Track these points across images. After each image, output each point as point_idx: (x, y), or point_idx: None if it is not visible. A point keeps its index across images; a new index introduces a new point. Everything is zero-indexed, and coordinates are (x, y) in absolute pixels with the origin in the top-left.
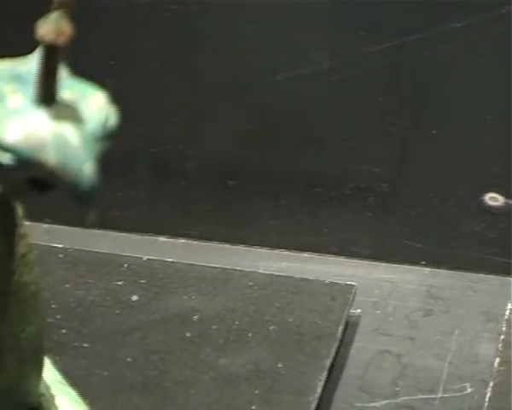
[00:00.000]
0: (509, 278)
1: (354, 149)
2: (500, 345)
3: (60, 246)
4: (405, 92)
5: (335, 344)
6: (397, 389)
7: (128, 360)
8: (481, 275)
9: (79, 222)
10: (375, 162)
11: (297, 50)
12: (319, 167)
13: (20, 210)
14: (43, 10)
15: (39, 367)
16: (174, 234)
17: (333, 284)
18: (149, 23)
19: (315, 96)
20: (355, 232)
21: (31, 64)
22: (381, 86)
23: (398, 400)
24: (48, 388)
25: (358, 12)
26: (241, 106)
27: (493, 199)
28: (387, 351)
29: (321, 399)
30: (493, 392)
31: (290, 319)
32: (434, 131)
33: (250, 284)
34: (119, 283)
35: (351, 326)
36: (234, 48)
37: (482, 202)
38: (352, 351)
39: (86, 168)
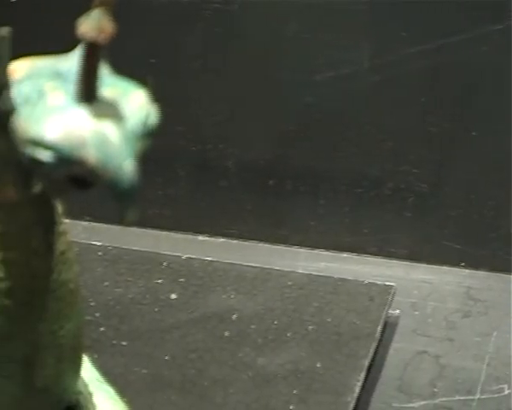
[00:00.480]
0: None
1: (394, 150)
2: None
3: (99, 244)
4: (445, 93)
5: (374, 344)
6: (435, 390)
7: (166, 358)
8: None
9: (119, 220)
10: (414, 163)
11: (337, 50)
12: (359, 168)
13: (59, 208)
14: (85, 7)
15: (77, 365)
16: (213, 233)
17: (371, 284)
18: (190, 21)
19: (355, 97)
20: (394, 233)
21: (72, 61)
22: (421, 87)
23: (436, 401)
24: (86, 386)
25: (399, 13)
26: (282, 105)
27: None
28: (426, 352)
29: (359, 399)
30: None
31: (329, 319)
32: (474, 133)
33: (289, 283)
34: (159, 281)
35: (389, 327)
36: (274, 47)
37: None
38: (391, 351)
39: (126, 166)
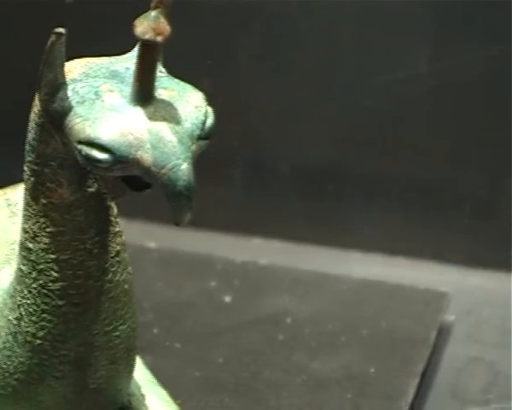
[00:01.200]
0: None
1: (451, 155)
2: None
3: (153, 245)
4: (505, 99)
5: (428, 350)
6: (489, 396)
7: (220, 360)
8: None
9: (173, 221)
10: (472, 169)
11: (394, 54)
12: (415, 172)
13: (114, 208)
14: (142, 8)
15: (131, 367)
16: (268, 236)
17: (427, 290)
18: (248, 23)
19: (412, 101)
20: (450, 238)
21: (128, 62)
22: (480, 92)
23: (490, 407)
24: (138, 387)
25: (459, 17)
26: (338, 108)
27: None
28: (480, 358)
29: (412, 404)
30: None
31: (383, 324)
32: None
33: (343, 288)
34: (212, 283)
35: (444, 332)
36: (331, 50)
37: None
38: (445, 357)
39: (182, 167)
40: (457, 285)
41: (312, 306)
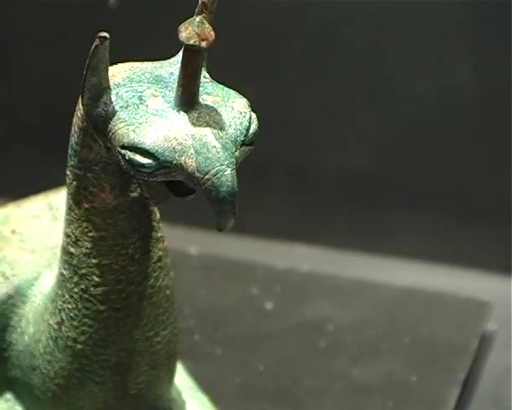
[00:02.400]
0: None
1: (493, 162)
2: None
3: (195, 251)
4: None
5: (469, 359)
6: None
7: (260, 367)
8: None
9: (217, 227)
10: None
11: (438, 61)
12: (458, 181)
13: (156, 214)
14: (187, 14)
15: (171, 372)
16: (310, 242)
17: (468, 298)
18: (290, 29)
19: (455, 109)
20: (493, 247)
21: (173, 67)
22: None
23: None
24: (179, 393)
25: (503, 25)
26: (380, 115)
27: None
28: None
29: None
30: None
31: (424, 333)
32: None
33: (385, 295)
34: (254, 290)
35: (485, 341)
36: (375, 56)
37: None
38: (487, 366)
39: (226, 173)
40: (500, 294)
41: (353, 313)
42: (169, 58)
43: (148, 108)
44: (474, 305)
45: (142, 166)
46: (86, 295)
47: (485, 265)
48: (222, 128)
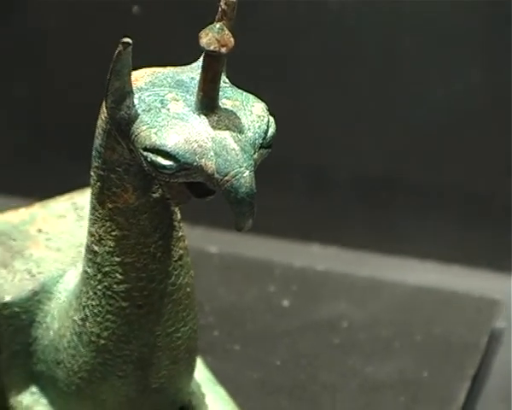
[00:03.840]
0: None
1: (505, 166)
2: None
3: (215, 250)
4: None
5: (479, 356)
6: None
7: (277, 363)
8: None
9: (236, 227)
10: None
11: (452, 68)
12: (470, 183)
13: (177, 214)
14: (207, 20)
15: (191, 367)
16: (326, 242)
17: (480, 297)
18: (306, 34)
19: (466, 114)
20: (503, 247)
21: (193, 72)
22: None
23: None
24: (199, 386)
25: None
26: (395, 121)
27: None
28: None
29: (463, 408)
30: None
31: (436, 331)
32: None
33: (398, 294)
34: (271, 288)
35: (495, 339)
36: (389, 62)
37: None
38: (496, 363)
39: (245, 175)
40: (509, 293)
41: (368, 311)
42: (190, 63)
43: (170, 111)
44: (484, 304)
45: (164, 167)
46: (109, 293)
47: (495, 265)
48: (241, 131)
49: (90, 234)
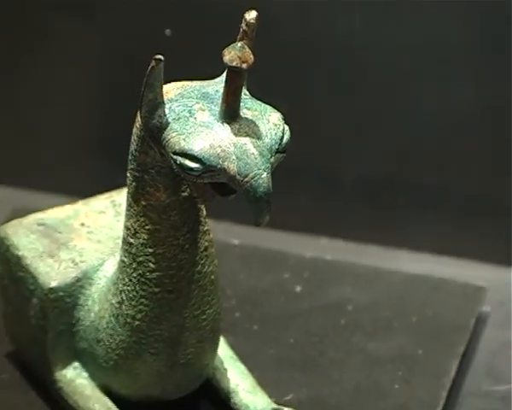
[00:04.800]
0: None
1: (492, 170)
2: None
3: (236, 242)
4: None
5: (467, 336)
6: None
7: (291, 341)
8: None
9: (255, 222)
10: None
11: (446, 82)
12: (461, 185)
13: (204, 210)
14: (230, 40)
15: (215, 345)
16: (333, 236)
17: (467, 284)
18: (319, 51)
19: (460, 123)
20: (487, 241)
21: (218, 85)
22: None
23: None
24: (221, 362)
25: (504, 45)
26: (395, 128)
27: None
28: (511, 343)
29: (454, 381)
30: None
31: (429, 313)
32: None
33: (396, 281)
34: (286, 275)
35: (481, 321)
36: (390, 76)
37: None
38: (482, 342)
39: (263, 176)
40: (493, 281)
41: (370, 296)
42: (215, 78)
43: (197, 120)
44: (472, 290)
45: (191, 169)
46: (143, 279)
47: (481, 256)
48: (259, 138)
49: (126, 228)
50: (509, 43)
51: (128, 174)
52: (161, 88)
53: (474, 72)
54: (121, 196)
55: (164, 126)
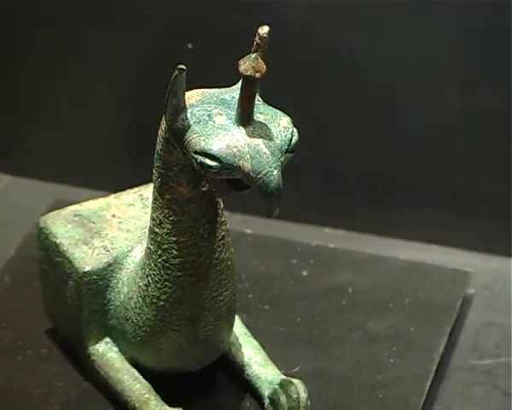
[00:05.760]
0: None
1: (479, 168)
2: None
3: (250, 232)
4: None
5: (454, 315)
6: (500, 351)
7: (298, 319)
8: None
9: (266, 214)
10: (495, 180)
11: (433, 90)
12: (448, 181)
13: (221, 203)
14: (245, 52)
15: (231, 323)
16: (336, 226)
17: (454, 270)
18: (324, 61)
19: (453, 126)
20: (473, 231)
21: (234, 92)
22: (502, 119)
23: (501, 359)
24: (237, 338)
25: (488, 51)
26: (390, 132)
27: None
28: (494, 322)
29: (442, 356)
30: None
31: (421, 295)
32: None
33: (392, 267)
34: (293, 261)
35: (467, 302)
36: (388, 86)
37: None
38: (467, 321)
39: (274, 173)
40: (478, 267)
41: (368, 280)
42: (231, 86)
43: (215, 123)
44: (458, 275)
45: (210, 167)
46: (167, 264)
47: (467, 245)
48: (271, 139)
49: (152, 219)
50: (509, 44)
51: (154, 171)
52: (184, 95)
53: (475, 73)
54: (148, 191)
55: (186, 129)
